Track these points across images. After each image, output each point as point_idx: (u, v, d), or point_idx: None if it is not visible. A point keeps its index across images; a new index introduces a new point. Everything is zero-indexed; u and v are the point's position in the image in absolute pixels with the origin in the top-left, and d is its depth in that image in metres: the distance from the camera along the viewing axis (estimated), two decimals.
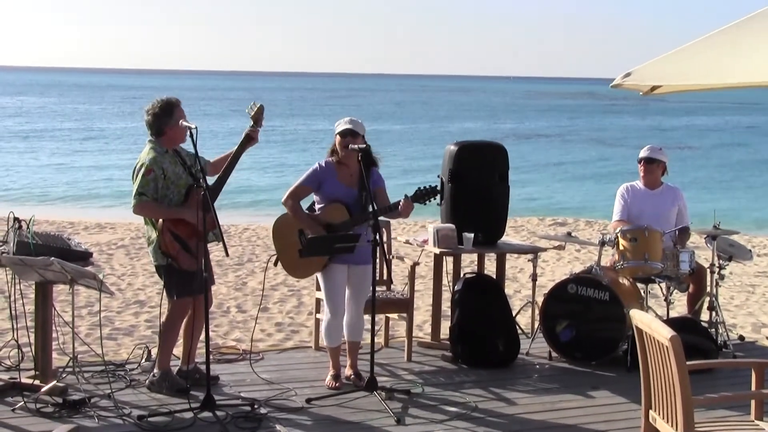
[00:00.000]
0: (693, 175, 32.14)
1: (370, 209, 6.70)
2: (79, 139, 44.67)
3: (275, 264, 7.07)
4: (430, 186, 6.93)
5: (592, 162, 38.41)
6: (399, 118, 67.29)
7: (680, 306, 9.43)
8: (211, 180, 6.58)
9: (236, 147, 6.71)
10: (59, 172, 31.68)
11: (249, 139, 6.72)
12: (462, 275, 8.13)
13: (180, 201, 6.58)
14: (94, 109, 72.22)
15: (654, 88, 6.74)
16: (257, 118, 6.74)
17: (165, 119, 6.57)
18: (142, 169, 6.51)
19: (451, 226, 8.01)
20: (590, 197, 26.41)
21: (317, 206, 6.99)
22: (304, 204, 7.03)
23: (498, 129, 56.04)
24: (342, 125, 6.88)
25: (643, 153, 8.51)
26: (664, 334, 4.50)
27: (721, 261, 8.22)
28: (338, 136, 6.87)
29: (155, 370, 6.75)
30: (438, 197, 7.03)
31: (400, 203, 6.78)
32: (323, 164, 6.95)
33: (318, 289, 7.33)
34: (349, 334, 7.07)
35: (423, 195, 6.87)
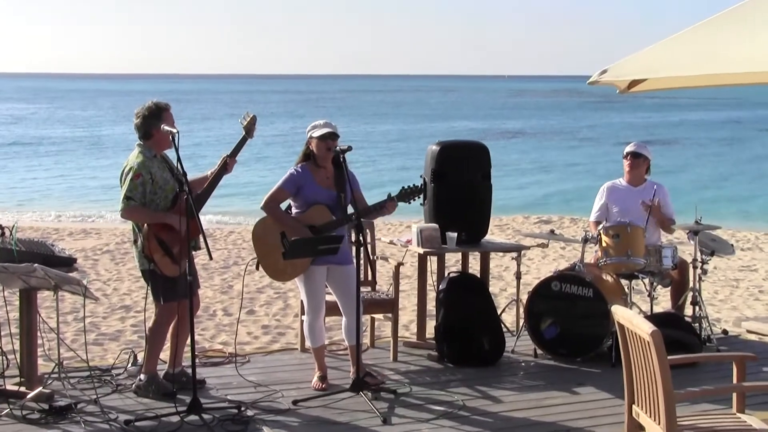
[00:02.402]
0: (678, 169, 32.24)
1: (352, 210, 6.77)
2: (76, 147, 44.37)
3: (257, 268, 7.09)
4: (414, 185, 6.98)
5: (577, 159, 38.50)
6: (390, 119, 67.35)
7: (664, 301, 9.49)
8: None
9: (213, 175, 6.76)
10: (52, 179, 31.66)
11: (224, 168, 6.76)
12: (446, 274, 8.16)
13: (167, 206, 6.59)
14: (88, 115, 71.98)
15: (632, 85, 6.77)
16: (249, 128, 6.78)
17: (153, 122, 6.58)
18: (131, 173, 6.52)
19: (435, 225, 8.03)
20: (575, 194, 26.46)
21: (294, 211, 7.01)
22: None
23: (486, 128, 56.10)
24: (321, 129, 6.89)
25: (629, 148, 8.58)
26: (645, 329, 4.53)
27: (703, 256, 8.27)
28: (317, 140, 6.88)
29: (141, 375, 6.76)
30: (421, 197, 7.08)
31: (386, 203, 6.86)
32: (299, 169, 6.96)
33: None
34: (346, 338, 7.10)
35: (408, 194, 6.93)
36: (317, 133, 6.88)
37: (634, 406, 4.96)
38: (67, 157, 38.97)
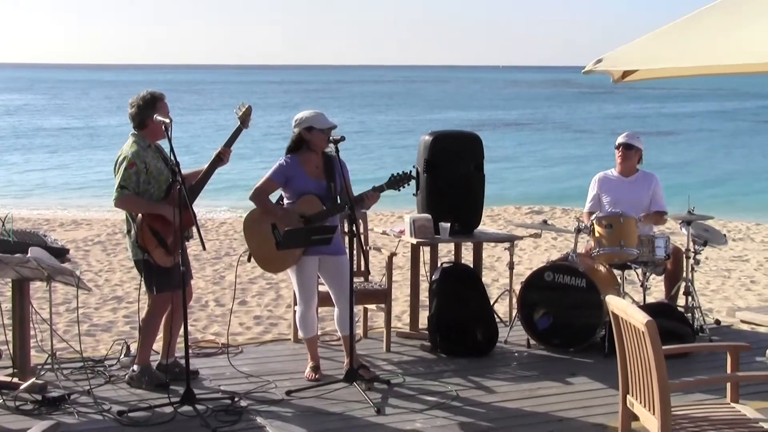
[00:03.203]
0: (669, 160, 32.27)
1: (345, 199, 6.75)
2: (72, 138, 44.09)
3: (248, 260, 7.07)
4: (403, 172, 6.97)
5: (568, 149, 38.51)
6: (386, 109, 67.33)
7: (657, 292, 9.51)
8: None
9: (207, 166, 6.72)
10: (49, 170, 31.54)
11: (219, 159, 6.72)
12: (439, 265, 8.16)
13: (161, 196, 6.57)
14: (83, 106, 71.68)
15: (626, 74, 6.76)
16: (244, 119, 6.74)
17: (148, 112, 6.56)
18: (125, 162, 6.49)
19: (428, 216, 8.03)
20: (567, 185, 26.46)
21: (286, 202, 7.00)
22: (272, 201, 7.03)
23: (477, 118, 56.10)
24: (323, 120, 6.86)
25: (620, 139, 8.56)
26: (639, 319, 4.53)
27: (696, 246, 8.28)
28: (320, 132, 6.85)
29: (135, 365, 6.74)
30: (413, 183, 7.07)
31: (366, 195, 6.83)
32: (288, 160, 6.94)
33: None
34: (338, 329, 7.10)
35: (397, 181, 6.91)
36: (321, 125, 6.85)
37: (628, 396, 4.97)
38: (64, 149, 38.79)
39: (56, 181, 28.75)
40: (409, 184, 7.00)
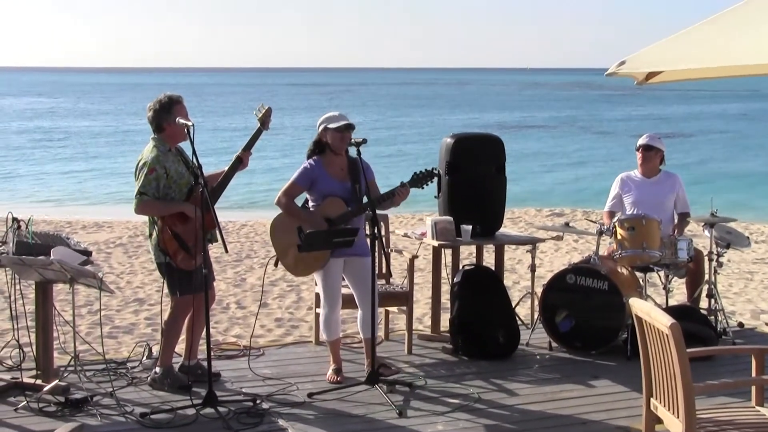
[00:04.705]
0: (689, 162, 32.10)
1: (366, 200, 6.75)
2: (103, 142, 44.07)
3: (276, 264, 7.07)
4: (426, 170, 6.94)
5: (591, 151, 38.37)
6: (410, 112, 67.35)
7: (679, 294, 9.45)
8: None
9: (227, 169, 6.73)
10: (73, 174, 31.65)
11: (239, 162, 6.73)
12: (461, 267, 8.15)
13: (182, 200, 6.58)
14: (110, 108, 71.94)
15: (649, 77, 6.75)
16: (264, 120, 6.75)
17: (164, 115, 6.57)
18: (145, 168, 6.50)
19: (449, 218, 8.02)
20: (588, 186, 26.36)
21: (311, 204, 6.99)
22: (298, 204, 7.03)
23: (499, 120, 56.02)
24: (337, 120, 6.87)
25: (641, 140, 8.54)
26: (664, 322, 4.51)
27: (719, 248, 8.23)
28: (333, 131, 6.86)
29: (157, 368, 6.76)
30: (435, 181, 7.06)
31: (396, 191, 6.81)
32: (313, 163, 6.94)
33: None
34: (361, 331, 7.09)
35: (421, 179, 6.90)
36: (334, 124, 6.86)
37: (652, 399, 4.94)
38: (96, 153, 38.80)
39: (90, 187, 28.71)
40: (432, 182, 6.98)
